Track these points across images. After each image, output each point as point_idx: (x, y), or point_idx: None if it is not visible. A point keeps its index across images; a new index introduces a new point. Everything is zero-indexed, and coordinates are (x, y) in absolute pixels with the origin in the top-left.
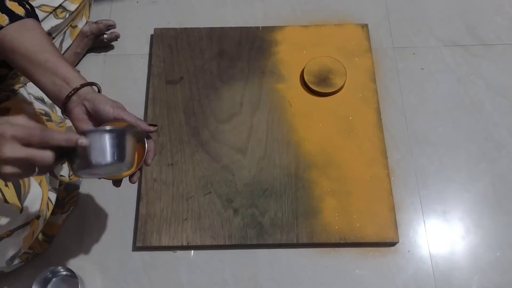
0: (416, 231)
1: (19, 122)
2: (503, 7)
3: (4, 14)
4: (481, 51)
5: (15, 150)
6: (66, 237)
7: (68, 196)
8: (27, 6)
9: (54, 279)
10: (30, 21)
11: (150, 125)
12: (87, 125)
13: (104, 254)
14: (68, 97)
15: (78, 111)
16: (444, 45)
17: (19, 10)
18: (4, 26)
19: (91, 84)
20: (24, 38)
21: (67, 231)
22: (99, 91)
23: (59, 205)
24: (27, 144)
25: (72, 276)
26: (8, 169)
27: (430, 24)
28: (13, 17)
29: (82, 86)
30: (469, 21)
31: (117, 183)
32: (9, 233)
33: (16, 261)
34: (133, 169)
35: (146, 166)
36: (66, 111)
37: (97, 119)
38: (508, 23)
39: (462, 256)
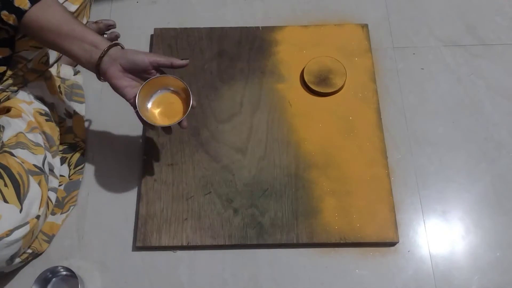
0: (416, 231)
1: None
2: (503, 7)
3: None
4: (481, 51)
5: None
6: (66, 237)
7: (68, 195)
8: None
9: (54, 279)
10: (48, 0)
11: (182, 59)
12: (125, 81)
13: (104, 254)
14: (100, 58)
15: (114, 70)
16: (444, 45)
17: None
18: (27, 10)
19: (117, 44)
20: (48, 14)
21: (67, 231)
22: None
23: (59, 205)
24: None
25: (72, 276)
26: None
27: (430, 24)
28: (33, 0)
29: (110, 47)
30: (469, 21)
31: (168, 130)
32: (9, 233)
33: (16, 261)
34: (181, 116)
35: (193, 109)
36: (101, 73)
37: (134, 71)
38: (508, 23)
39: (462, 256)
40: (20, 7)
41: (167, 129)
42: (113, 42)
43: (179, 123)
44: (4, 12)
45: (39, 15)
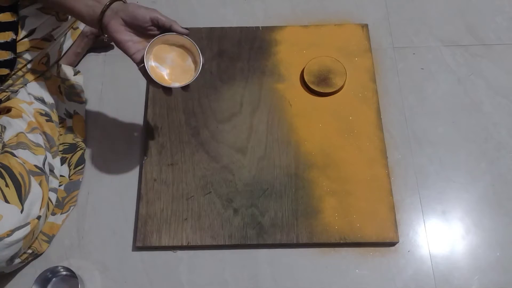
0: (416, 231)
1: None
2: (503, 7)
3: None
4: (481, 51)
5: None
6: (66, 237)
7: (68, 196)
8: None
9: (54, 279)
10: None
11: (182, 27)
12: (126, 35)
13: (104, 254)
14: (103, 12)
15: (115, 23)
16: (444, 45)
17: None
18: None
19: None
20: None
21: (67, 231)
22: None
23: (59, 205)
24: None
25: (72, 276)
26: None
27: (430, 24)
28: None
29: (112, 1)
30: (469, 21)
31: (168, 91)
32: (10, 233)
33: (16, 261)
34: (191, 77)
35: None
36: (102, 27)
37: (134, 26)
38: (508, 23)
39: (462, 256)
40: None
41: (167, 90)
42: None
43: (183, 87)
44: None
45: None
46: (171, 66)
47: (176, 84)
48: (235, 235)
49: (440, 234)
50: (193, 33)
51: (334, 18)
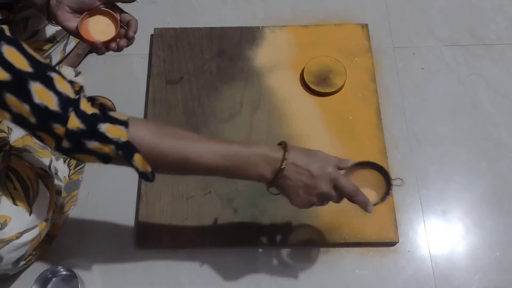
0: (416, 231)
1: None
2: (503, 7)
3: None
4: (481, 51)
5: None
6: (66, 237)
7: (68, 195)
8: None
9: (54, 279)
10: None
11: None
12: (75, 22)
13: (104, 254)
14: (47, 3)
15: (62, 12)
16: (444, 45)
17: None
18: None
19: None
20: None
21: (67, 231)
22: None
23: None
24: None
25: (72, 276)
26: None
27: (430, 24)
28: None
29: None
30: (469, 21)
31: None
32: (18, 235)
33: (20, 264)
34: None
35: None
36: (51, 18)
37: (83, 11)
38: (508, 23)
39: (462, 256)
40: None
41: (96, 48)
42: None
43: (107, 44)
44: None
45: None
46: (100, 28)
47: (98, 39)
48: (235, 235)
49: (440, 234)
50: (193, 33)
51: (334, 18)
